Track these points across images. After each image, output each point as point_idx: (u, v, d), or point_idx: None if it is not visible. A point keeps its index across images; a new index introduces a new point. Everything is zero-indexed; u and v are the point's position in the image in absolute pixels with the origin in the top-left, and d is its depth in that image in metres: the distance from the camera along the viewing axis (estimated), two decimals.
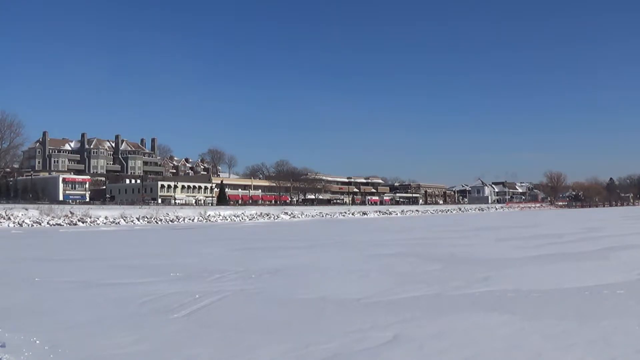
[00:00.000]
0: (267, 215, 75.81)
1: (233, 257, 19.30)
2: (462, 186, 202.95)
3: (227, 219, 67.49)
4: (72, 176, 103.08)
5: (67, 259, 19.13)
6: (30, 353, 6.47)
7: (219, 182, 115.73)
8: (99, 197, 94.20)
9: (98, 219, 54.85)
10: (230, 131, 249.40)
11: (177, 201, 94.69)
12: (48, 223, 50.24)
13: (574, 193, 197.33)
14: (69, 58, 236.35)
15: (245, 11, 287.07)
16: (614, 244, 23.22)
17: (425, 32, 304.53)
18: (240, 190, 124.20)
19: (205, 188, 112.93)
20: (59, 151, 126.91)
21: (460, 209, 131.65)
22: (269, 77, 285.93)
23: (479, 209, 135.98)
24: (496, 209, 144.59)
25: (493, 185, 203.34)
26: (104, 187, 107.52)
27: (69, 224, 51.12)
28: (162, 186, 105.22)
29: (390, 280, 12.53)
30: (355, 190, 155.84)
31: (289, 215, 78.99)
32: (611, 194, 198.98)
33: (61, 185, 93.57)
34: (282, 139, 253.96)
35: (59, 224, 50.58)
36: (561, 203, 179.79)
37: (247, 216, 72.21)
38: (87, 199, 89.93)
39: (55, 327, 7.83)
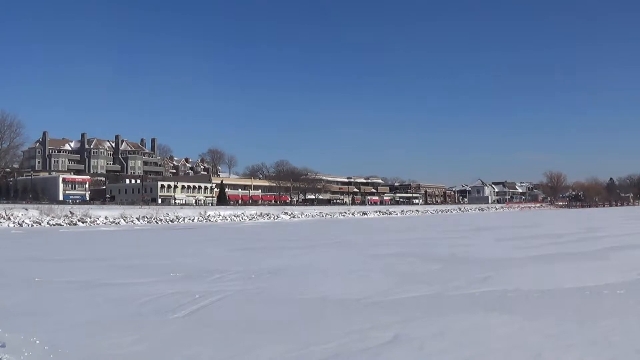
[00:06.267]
0: (267, 215, 75.78)
1: (233, 257, 19.30)
2: (462, 186, 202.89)
3: (227, 219, 67.45)
4: (72, 176, 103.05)
5: (67, 259, 19.13)
6: (30, 353, 6.48)
7: (219, 182, 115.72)
8: (99, 197, 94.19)
9: (98, 219, 54.81)
10: (230, 131, 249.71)
11: (177, 201, 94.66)
12: (48, 223, 50.21)
13: (574, 193, 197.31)
14: (69, 58, 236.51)
15: (245, 11, 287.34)
16: (614, 244, 23.23)
17: (426, 32, 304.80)
18: (240, 190, 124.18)
19: (205, 188, 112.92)
20: (59, 151, 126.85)
21: (460, 209, 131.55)
22: (269, 77, 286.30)
23: (479, 209, 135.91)
24: (496, 209, 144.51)
25: (493, 185, 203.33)
26: (104, 187, 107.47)
27: (69, 224, 51.09)
28: (162, 186, 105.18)
29: (390, 280, 12.53)
30: (355, 190, 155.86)
31: (289, 215, 78.97)
32: (611, 194, 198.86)
33: (61, 185, 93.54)
34: (282, 139, 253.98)
35: (59, 224, 50.56)
36: (561, 203, 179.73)
37: (247, 216, 72.18)
38: (87, 199, 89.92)
39: (55, 327, 7.83)
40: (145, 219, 59.42)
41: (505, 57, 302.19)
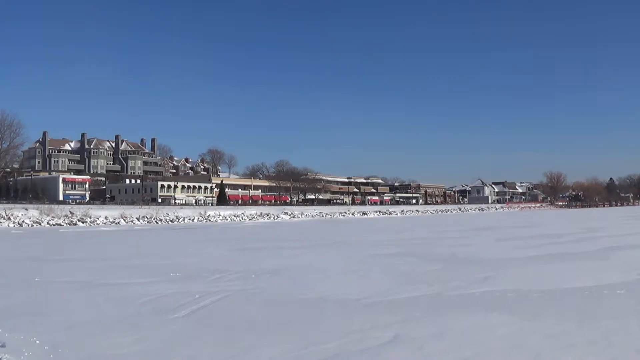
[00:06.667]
0: (267, 215, 75.77)
1: (233, 257, 19.30)
2: (462, 186, 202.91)
3: (227, 219, 67.45)
4: (72, 176, 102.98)
5: (67, 259, 19.13)
6: (30, 353, 6.48)
7: (219, 182, 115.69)
8: (99, 197, 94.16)
9: (98, 219, 54.81)
10: (230, 131, 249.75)
11: (177, 201, 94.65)
12: (48, 223, 50.21)
13: (574, 193, 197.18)
14: (69, 58, 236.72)
15: (245, 11, 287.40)
16: (614, 244, 23.23)
17: (425, 32, 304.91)
18: (240, 190, 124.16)
19: (205, 188, 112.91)
20: (59, 151, 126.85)
21: (460, 209, 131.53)
22: (269, 77, 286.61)
23: (479, 209, 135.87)
24: (496, 209, 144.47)
25: (493, 185, 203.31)
26: (104, 187, 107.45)
27: (69, 224, 51.09)
28: (162, 186, 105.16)
29: (390, 280, 12.53)
30: (355, 190, 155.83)
31: (289, 215, 78.95)
32: (611, 194, 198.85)
33: (61, 185, 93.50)
34: (282, 139, 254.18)
35: (59, 224, 50.56)
36: (561, 203, 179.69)
37: (247, 216, 72.17)
38: (87, 199, 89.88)
39: (55, 327, 7.83)
40: (145, 219, 59.41)
41: (505, 57, 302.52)
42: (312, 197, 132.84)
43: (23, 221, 48.98)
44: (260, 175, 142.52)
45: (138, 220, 58.38)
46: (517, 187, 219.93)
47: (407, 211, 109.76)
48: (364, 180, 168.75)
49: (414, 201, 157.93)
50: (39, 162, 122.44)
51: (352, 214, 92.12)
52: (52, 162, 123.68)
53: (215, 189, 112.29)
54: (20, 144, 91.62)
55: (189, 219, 63.43)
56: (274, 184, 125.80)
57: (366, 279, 13.03)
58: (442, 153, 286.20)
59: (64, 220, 52.27)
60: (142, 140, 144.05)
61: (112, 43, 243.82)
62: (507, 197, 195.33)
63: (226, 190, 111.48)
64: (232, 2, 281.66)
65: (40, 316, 8.66)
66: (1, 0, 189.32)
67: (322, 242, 27.94)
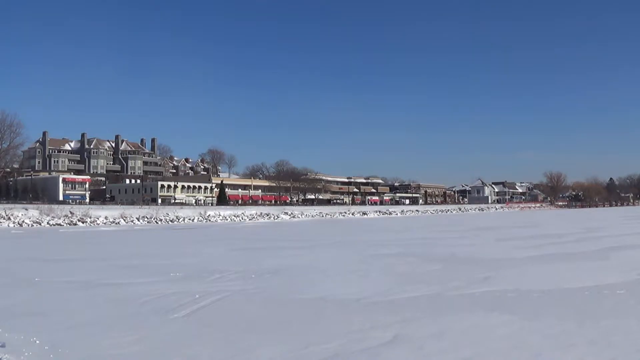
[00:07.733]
0: (267, 215, 75.76)
1: (233, 257, 19.30)
2: (462, 186, 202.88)
3: (227, 219, 67.45)
4: (72, 176, 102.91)
5: (67, 259, 19.13)
6: (30, 353, 6.48)
7: (219, 182, 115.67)
8: (99, 197, 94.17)
9: (98, 219, 54.80)
10: (230, 131, 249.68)
11: (177, 201, 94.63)
12: (48, 223, 50.20)
13: (574, 193, 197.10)
14: (69, 58, 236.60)
15: (245, 11, 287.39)
16: (614, 244, 23.23)
17: (426, 32, 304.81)
18: (240, 190, 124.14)
19: (205, 188, 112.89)
20: (59, 151, 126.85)
21: (460, 209, 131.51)
22: (269, 77, 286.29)
23: (479, 209, 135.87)
24: (496, 209, 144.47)
25: (493, 185, 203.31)
26: (104, 187, 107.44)
27: (69, 224, 51.08)
28: (162, 186, 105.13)
29: (390, 281, 12.53)
30: (355, 190, 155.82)
31: (289, 215, 78.95)
32: (611, 194, 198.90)
33: (61, 185, 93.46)
34: (282, 139, 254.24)
35: (59, 224, 50.55)
36: (561, 203, 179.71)
37: (247, 216, 72.17)
38: (87, 199, 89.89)
39: (55, 327, 7.83)
40: (145, 219, 59.40)
41: (505, 57, 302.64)
42: (312, 197, 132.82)
43: (23, 221, 48.98)
44: (260, 175, 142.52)
45: (138, 220, 58.37)
46: (517, 187, 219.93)
47: (407, 211, 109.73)
48: (364, 180, 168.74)
49: (407, 202, 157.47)
50: (39, 162, 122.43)
51: (352, 214, 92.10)
52: (52, 162, 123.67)
53: (215, 189, 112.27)
54: (20, 144, 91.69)
55: (189, 219, 63.43)
56: (274, 184, 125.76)
57: (366, 279, 13.03)
58: (442, 153, 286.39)
59: (64, 220, 52.27)
60: (142, 140, 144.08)
61: (112, 43, 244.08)
62: (507, 197, 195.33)
63: (226, 190, 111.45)
64: (233, 2, 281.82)
65: (40, 316, 8.66)
66: (1, 1, 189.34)
67: (322, 242, 27.95)
